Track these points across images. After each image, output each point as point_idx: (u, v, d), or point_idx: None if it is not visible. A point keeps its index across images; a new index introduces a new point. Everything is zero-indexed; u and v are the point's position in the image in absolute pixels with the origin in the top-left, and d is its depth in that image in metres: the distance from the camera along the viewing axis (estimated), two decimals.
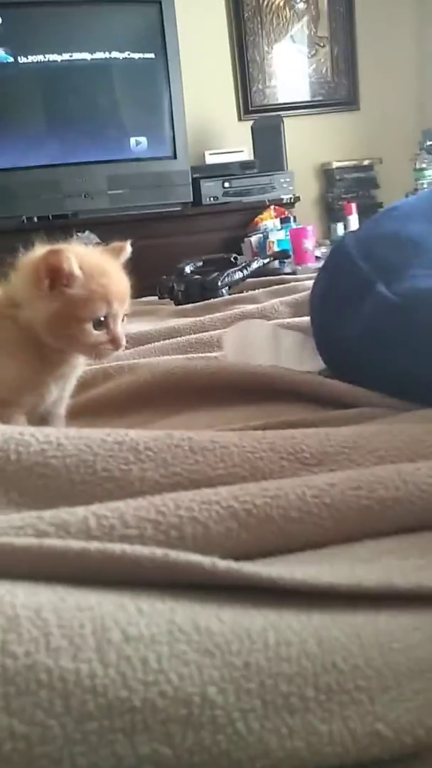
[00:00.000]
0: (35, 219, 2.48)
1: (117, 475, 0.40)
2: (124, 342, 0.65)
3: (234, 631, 0.27)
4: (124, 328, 0.66)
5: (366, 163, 3.19)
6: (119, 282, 0.66)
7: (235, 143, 2.94)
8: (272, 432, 0.48)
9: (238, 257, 1.90)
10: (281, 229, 2.56)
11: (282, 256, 2.11)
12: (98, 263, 0.65)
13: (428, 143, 2.85)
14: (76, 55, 2.47)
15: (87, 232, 2.29)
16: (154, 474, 0.41)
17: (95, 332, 0.63)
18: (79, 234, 2.32)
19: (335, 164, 3.16)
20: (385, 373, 0.65)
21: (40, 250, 0.64)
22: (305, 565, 0.34)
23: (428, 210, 0.79)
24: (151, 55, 2.55)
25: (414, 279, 0.65)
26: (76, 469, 0.40)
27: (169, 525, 0.35)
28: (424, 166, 2.89)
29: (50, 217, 2.49)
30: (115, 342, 0.64)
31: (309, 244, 2.24)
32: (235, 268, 1.63)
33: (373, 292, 0.64)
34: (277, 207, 2.73)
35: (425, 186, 2.86)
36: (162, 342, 1.02)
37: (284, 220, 2.65)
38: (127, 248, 0.70)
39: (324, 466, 0.44)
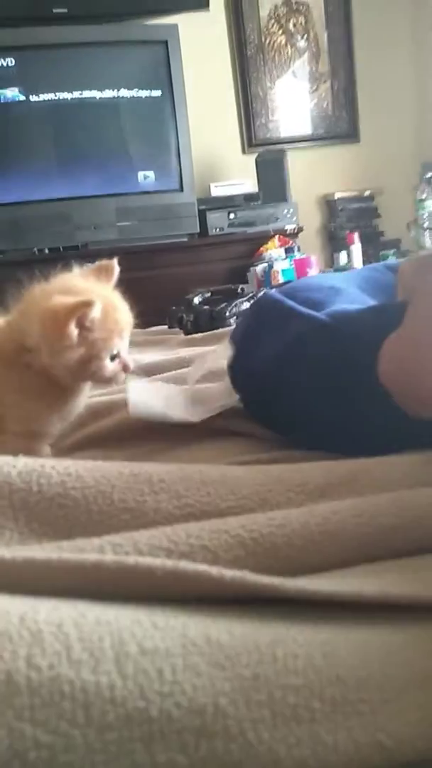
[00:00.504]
0: (46, 251, 2.54)
1: (133, 506, 0.42)
2: (132, 365, 0.69)
3: (244, 644, 0.29)
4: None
5: (367, 193, 3.25)
6: (125, 312, 0.69)
7: (239, 175, 3.00)
8: (279, 466, 0.50)
9: (245, 288, 1.93)
10: (286, 258, 2.61)
11: None
12: (106, 298, 0.67)
13: (428, 175, 2.90)
14: (86, 93, 2.55)
15: (96, 264, 2.34)
16: (168, 505, 0.43)
17: (111, 365, 0.65)
18: (89, 264, 2.37)
19: (337, 195, 3.22)
20: (301, 395, 0.65)
21: (43, 292, 0.65)
22: (310, 578, 0.36)
23: (355, 276, 0.84)
24: (158, 93, 2.63)
25: (339, 306, 0.68)
26: (94, 499, 0.42)
27: (181, 553, 0.36)
28: (424, 197, 2.94)
29: (61, 249, 2.55)
30: (126, 368, 0.68)
31: (313, 273, 2.28)
32: (242, 299, 1.67)
33: (298, 315, 0.67)
34: (281, 237, 2.78)
35: (425, 216, 2.91)
36: (173, 372, 1.04)
37: (288, 250, 2.69)
38: (115, 267, 0.72)
39: (327, 497, 0.46)
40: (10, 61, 2.46)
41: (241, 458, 0.67)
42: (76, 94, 2.54)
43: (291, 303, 0.71)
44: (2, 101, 2.48)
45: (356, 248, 2.88)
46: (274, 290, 0.80)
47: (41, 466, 0.43)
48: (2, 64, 2.46)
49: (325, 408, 0.64)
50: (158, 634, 0.29)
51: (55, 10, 2.48)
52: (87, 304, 0.60)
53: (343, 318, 0.65)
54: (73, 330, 0.60)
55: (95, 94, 2.56)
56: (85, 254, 2.50)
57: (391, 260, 0.93)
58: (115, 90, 2.58)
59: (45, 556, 0.31)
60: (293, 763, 0.26)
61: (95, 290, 0.67)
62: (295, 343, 0.66)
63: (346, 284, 0.79)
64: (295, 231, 2.87)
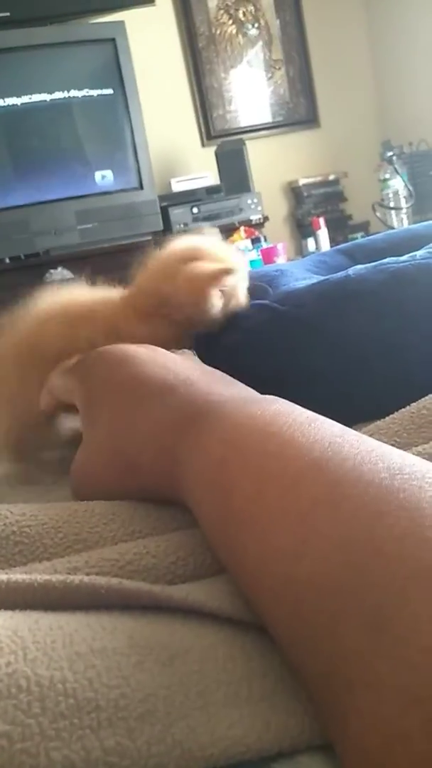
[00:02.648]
0: (7, 260, 2.52)
1: (86, 536, 0.44)
2: None
3: (185, 647, 0.30)
4: None
5: (332, 177, 3.27)
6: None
7: (200, 169, 3.00)
8: None
9: None
10: (252, 249, 2.62)
11: None
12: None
13: (389, 154, 2.93)
14: (36, 97, 2.54)
15: (60, 269, 2.33)
16: (117, 533, 0.45)
17: None
18: (52, 271, 2.36)
19: (302, 181, 3.23)
20: (257, 382, 0.66)
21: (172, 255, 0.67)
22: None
23: (305, 261, 0.85)
24: (110, 91, 2.62)
25: (285, 286, 0.68)
26: (47, 534, 0.44)
27: (126, 561, 0.38)
28: (387, 176, 2.97)
29: (22, 257, 2.53)
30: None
31: (280, 261, 2.29)
32: None
33: (254, 305, 0.67)
34: (247, 228, 2.79)
35: (391, 196, 2.94)
36: None
37: (255, 241, 2.71)
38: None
39: None
40: None
41: None
42: (26, 99, 2.52)
43: None
44: None
45: (323, 233, 2.90)
46: None
47: None
48: None
49: (275, 391, 0.65)
50: (107, 636, 0.31)
51: None
52: (227, 271, 0.62)
53: (287, 299, 0.65)
54: (216, 295, 0.62)
55: (45, 96, 2.55)
56: (47, 261, 2.49)
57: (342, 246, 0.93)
58: (66, 91, 2.56)
59: None
60: (231, 742, 0.27)
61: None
62: (244, 332, 0.67)
63: (293, 267, 0.79)
64: (261, 221, 2.88)
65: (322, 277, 0.71)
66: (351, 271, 0.64)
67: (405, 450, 0.43)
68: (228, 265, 0.63)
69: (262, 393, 0.66)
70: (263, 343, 0.65)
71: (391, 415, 0.49)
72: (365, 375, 0.59)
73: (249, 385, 0.68)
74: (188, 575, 0.38)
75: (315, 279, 0.73)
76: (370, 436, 0.46)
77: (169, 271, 0.65)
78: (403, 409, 0.49)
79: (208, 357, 0.76)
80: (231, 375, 0.71)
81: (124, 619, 0.32)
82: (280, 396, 0.66)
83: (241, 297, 0.68)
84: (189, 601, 0.33)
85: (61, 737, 0.27)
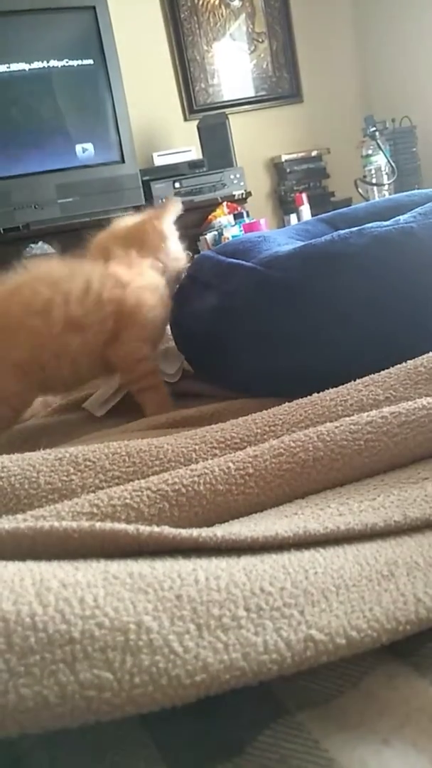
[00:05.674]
0: None
1: (59, 485, 0.43)
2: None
3: (165, 573, 0.29)
4: None
5: (314, 153, 3.24)
6: None
7: (182, 143, 2.96)
8: (203, 428, 0.51)
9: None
10: (235, 224, 2.59)
11: None
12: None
13: (371, 129, 2.90)
14: (14, 66, 2.47)
15: (40, 243, 2.29)
16: (94, 480, 0.44)
17: None
18: (32, 245, 2.33)
19: (284, 157, 3.20)
20: (239, 344, 0.67)
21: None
22: (231, 525, 0.37)
23: (287, 229, 0.88)
24: (90, 62, 2.56)
25: (268, 251, 0.69)
26: (20, 485, 0.43)
27: (104, 515, 0.37)
28: (370, 152, 2.94)
29: (1, 231, 2.48)
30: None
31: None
32: None
33: (236, 268, 0.68)
34: (229, 203, 2.76)
35: (373, 172, 2.92)
36: None
37: (237, 216, 2.68)
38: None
39: (253, 446, 0.46)
40: None
41: (185, 412, 0.67)
42: (4, 68, 2.45)
43: (220, 257, 0.72)
44: None
45: (305, 209, 2.88)
46: (208, 251, 0.82)
47: None
48: None
49: (259, 353, 0.65)
50: (80, 573, 0.29)
51: None
52: (173, 203, 0.83)
53: (271, 263, 0.65)
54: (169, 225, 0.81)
55: (24, 66, 2.48)
56: (27, 235, 2.45)
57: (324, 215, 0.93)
58: (45, 61, 2.50)
59: None
60: (223, 667, 0.27)
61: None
62: (227, 295, 0.67)
63: (276, 234, 0.79)
64: (244, 196, 2.85)
65: (306, 242, 0.71)
66: (335, 235, 0.64)
67: (400, 403, 0.44)
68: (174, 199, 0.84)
69: (244, 355, 0.67)
70: (246, 305, 0.65)
71: (387, 370, 0.50)
72: (349, 335, 0.60)
73: (232, 348, 0.68)
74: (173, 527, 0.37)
75: (298, 244, 0.73)
76: (365, 387, 0.46)
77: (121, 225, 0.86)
78: (399, 365, 0.49)
79: (186, 322, 0.76)
80: (212, 338, 0.71)
81: (99, 559, 0.31)
82: (264, 357, 0.67)
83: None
84: (165, 533, 0.32)
85: (31, 673, 0.26)
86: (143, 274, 0.77)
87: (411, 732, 0.28)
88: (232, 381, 0.72)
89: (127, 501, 0.37)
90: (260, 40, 3.24)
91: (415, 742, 0.27)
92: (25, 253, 2.31)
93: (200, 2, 3.11)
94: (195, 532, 0.32)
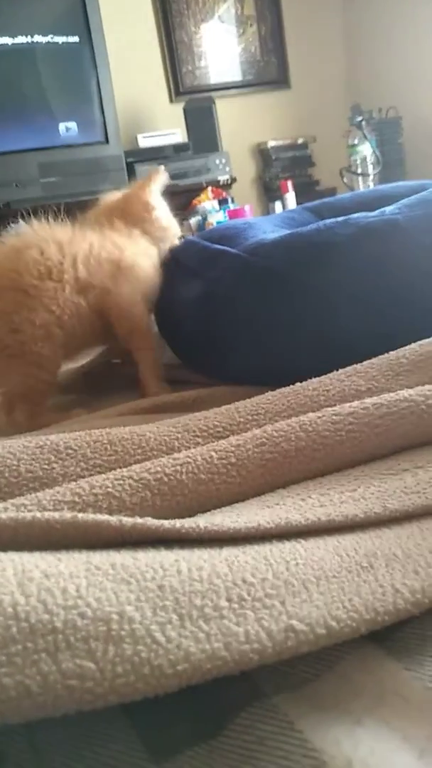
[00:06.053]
0: None
1: (40, 474, 0.43)
2: None
3: (148, 564, 0.29)
4: None
5: (300, 141, 3.23)
6: None
7: (167, 125, 2.92)
8: (186, 416, 0.51)
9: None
10: (219, 210, 2.58)
11: None
12: None
13: (358, 119, 2.89)
14: None
15: (21, 223, 2.25)
16: (76, 468, 0.43)
17: None
18: (12, 224, 2.29)
19: (270, 143, 3.18)
20: (222, 332, 0.68)
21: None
22: (214, 515, 0.37)
23: (273, 217, 0.89)
24: (76, 38, 2.50)
25: (254, 239, 0.69)
26: (1, 473, 0.42)
27: (86, 504, 0.37)
28: (356, 142, 2.93)
29: None
30: None
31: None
32: None
33: (221, 254, 0.68)
34: (214, 188, 2.74)
35: (358, 162, 2.92)
36: None
37: (222, 202, 2.66)
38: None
39: (236, 435, 0.46)
40: None
41: (166, 398, 0.67)
42: None
43: (206, 243, 0.71)
44: None
45: (290, 197, 2.87)
46: (193, 236, 0.82)
47: None
48: None
49: (241, 342, 0.65)
50: (62, 563, 0.29)
51: None
52: (157, 172, 0.85)
53: (256, 250, 0.65)
54: (155, 196, 0.83)
55: (7, 40, 2.42)
56: (7, 213, 2.41)
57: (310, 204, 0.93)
58: (29, 36, 2.44)
59: None
60: (205, 656, 0.27)
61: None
62: (210, 281, 0.66)
63: (261, 221, 0.79)
64: (228, 182, 2.83)
65: (291, 230, 0.71)
66: (320, 224, 0.64)
67: (382, 394, 0.44)
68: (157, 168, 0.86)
69: (229, 343, 0.67)
70: (230, 292, 0.65)
71: (369, 360, 0.50)
72: (334, 324, 0.60)
73: (215, 336, 0.68)
74: (155, 517, 0.37)
75: (283, 232, 0.73)
76: (347, 378, 0.46)
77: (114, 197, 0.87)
78: (382, 356, 0.50)
79: (170, 308, 0.75)
80: (195, 326, 0.70)
81: (81, 551, 0.31)
82: (246, 346, 0.67)
83: (176, 234, 0.86)
84: (149, 524, 0.32)
85: (13, 663, 0.26)
86: (137, 243, 0.80)
87: (384, 712, 0.29)
88: (215, 369, 0.72)
89: (109, 490, 0.37)
90: (249, 23, 3.21)
91: (388, 722, 0.28)
92: (6, 232, 2.27)
93: None
94: (178, 523, 0.32)
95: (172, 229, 0.86)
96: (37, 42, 2.46)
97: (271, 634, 0.28)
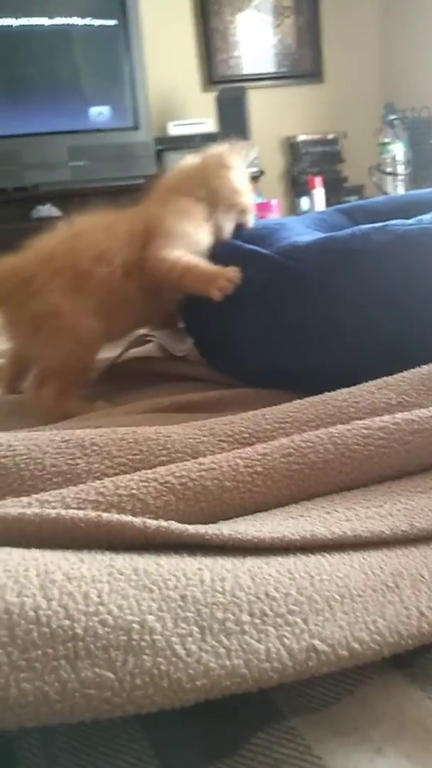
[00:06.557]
0: None
1: (64, 469, 0.42)
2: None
3: (170, 571, 0.29)
4: None
5: (331, 137, 3.19)
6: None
7: (199, 114, 2.90)
8: (212, 420, 0.50)
9: None
10: None
11: None
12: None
13: (390, 117, 2.85)
14: (35, 20, 2.40)
15: (48, 205, 2.25)
16: (100, 466, 0.43)
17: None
18: (39, 207, 2.29)
19: (300, 138, 3.15)
20: (249, 333, 0.67)
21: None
22: (238, 523, 0.36)
23: (304, 218, 0.87)
24: (113, 22, 2.49)
25: (287, 240, 0.68)
26: (26, 466, 0.42)
27: (109, 504, 0.36)
28: (387, 140, 2.90)
29: (10, 190, 2.44)
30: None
31: (274, 218, 2.24)
32: None
33: (252, 254, 0.67)
34: None
35: (388, 161, 2.88)
36: None
37: None
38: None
39: (262, 442, 0.46)
40: None
41: (190, 397, 0.66)
42: (24, 21, 2.38)
43: (238, 242, 0.70)
44: None
45: (319, 193, 2.84)
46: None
47: None
48: None
49: (269, 345, 0.64)
50: (84, 566, 0.29)
51: None
52: (244, 144, 0.79)
53: (289, 252, 0.64)
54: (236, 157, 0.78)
55: (44, 21, 2.41)
56: (35, 196, 2.41)
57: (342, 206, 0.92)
58: (67, 17, 2.43)
59: None
60: (225, 672, 0.27)
61: None
62: (240, 281, 0.65)
63: (293, 222, 0.78)
64: (257, 175, 2.81)
65: (324, 234, 0.70)
66: (356, 229, 0.63)
67: (411, 410, 0.43)
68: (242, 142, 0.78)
69: (255, 345, 0.66)
70: (260, 294, 0.64)
71: (401, 373, 0.49)
72: (364, 334, 0.59)
73: (242, 337, 0.67)
74: (178, 522, 0.37)
75: (316, 235, 0.71)
76: (378, 390, 0.45)
77: (190, 160, 0.82)
78: (414, 369, 0.49)
79: (197, 305, 0.74)
80: (222, 325, 0.70)
81: (105, 552, 0.30)
82: (273, 349, 0.66)
83: (252, 207, 0.79)
84: (172, 528, 0.32)
85: (33, 668, 0.25)
86: (174, 204, 0.77)
87: (405, 742, 0.28)
88: (240, 370, 0.71)
89: (134, 491, 0.37)
90: (286, 14, 3.17)
91: (409, 753, 0.27)
92: (32, 215, 2.28)
93: None
94: (202, 529, 0.32)
95: (243, 196, 0.80)
96: (74, 24, 2.45)
97: (292, 652, 0.28)
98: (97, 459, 0.43)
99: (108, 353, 0.85)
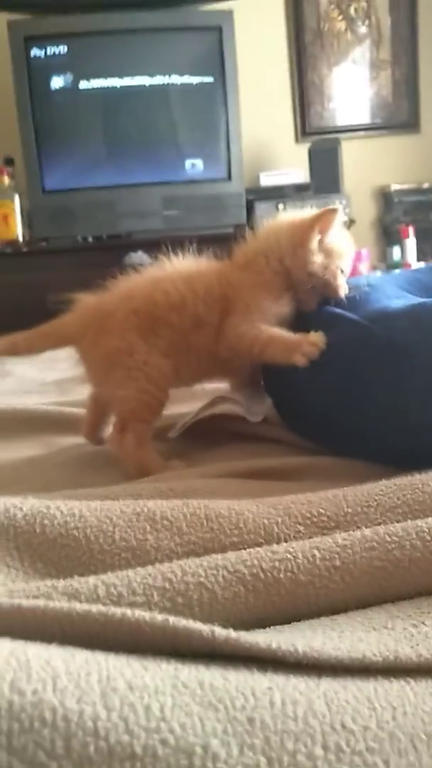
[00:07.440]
0: (90, 239, 2.55)
1: (134, 544, 0.42)
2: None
3: (238, 688, 0.27)
4: None
5: (426, 186, 3.14)
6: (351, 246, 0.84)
7: (291, 165, 2.94)
8: (288, 497, 0.48)
9: None
10: None
11: None
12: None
13: None
14: (137, 80, 2.54)
15: (139, 252, 2.33)
16: (170, 543, 0.42)
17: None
18: (131, 254, 2.37)
19: (394, 187, 3.12)
20: (329, 401, 0.63)
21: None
22: (314, 632, 0.33)
23: (397, 277, 0.83)
24: (210, 79, 2.59)
25: (377, 304, 0.64)
26: (95, 539, 0.42)
27: (176, 592, 0.35)
28: None
29: (104, 237, 2.55)
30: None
31: (363, 267, 2.21)
32: None
33: (338, 318, 0.64)
34: None
35: None
36: None
37: None
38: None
39: (342, 528, 0.43)
40: (62, 49, 2.46)
41: (269, 462, 0.64)
42: (127, 81, 2.52)
43: (331, 310, 0.68)
44: (52, 88, 2.49)
45: (411, 243, 2.79)
46: None
47: (47, 507, 0.44)
48: (54, 52, 2.46)
49: (349, 415, 0.61)
50: (148, 674, 0.27)
51: None
52: (332, 211, 0.73)
53: (378, 318, 0.61)
54: (316, 235, 0.73)
55: (145, 80, 2.54)
56: (128, 243, 2.50)
57: None
58: (166, 76, 2.55)
59: (32, 604, 0.30)
60: None
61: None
62: (328, 347, 0.63)
63: (384, 282, 0.75)
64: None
65: (417, 298, 0.67)
66: None
67: None
68: (333, 207, 0.73)
69: (338, 414, 0.63)
70: (344, 361, 0.62)
71: None
72: None
73: (321, 404, 0.65)
74: (247, 616, 0.35)
75: (408, 298, 0.69)
76: None
77: (273, 225, 0.79)
78: None
79: (277, 368, 0.73)
80: (302, 390, 0.68)
81: (170, 660, 0.29)
82: (354, 420, 0.63)
83: (340, 281, 0.74)
84: (242, 641, 0.30)
85: None
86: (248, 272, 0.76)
87: None
88: (319, 438, 0.68)
89: (202, 579, 0.35)
90: (383, 67, 3.19)
91: None
92: (124, 261, 2.36)
93: (326, 27, 3.10)
94: (274, 643, 0.29)
95: (322, 272, 0.74)
96: (172, 83, 2.57)
97: None
98: (167, 535, 0.41)
99: (185, 407, 0.85)
